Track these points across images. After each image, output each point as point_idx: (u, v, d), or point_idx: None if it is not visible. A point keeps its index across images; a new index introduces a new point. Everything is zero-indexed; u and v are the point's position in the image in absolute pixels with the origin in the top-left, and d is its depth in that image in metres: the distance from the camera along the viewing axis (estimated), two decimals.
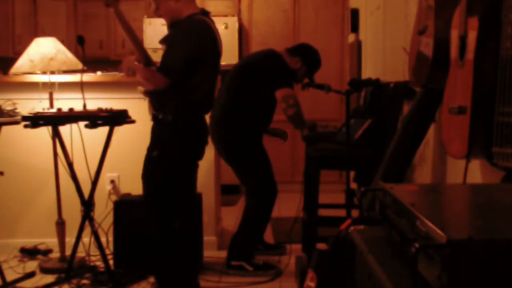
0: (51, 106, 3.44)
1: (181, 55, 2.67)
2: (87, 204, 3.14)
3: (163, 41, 2.77)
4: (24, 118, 2.96)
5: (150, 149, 2.76)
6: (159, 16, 2.86)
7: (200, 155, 2.90)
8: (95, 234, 3.13)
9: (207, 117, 3.09)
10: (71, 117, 3.05)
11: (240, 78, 3.47)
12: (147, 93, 2.79)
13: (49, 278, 3.27)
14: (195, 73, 2.70)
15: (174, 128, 2.73)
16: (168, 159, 2.74)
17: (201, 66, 2.71)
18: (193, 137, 2.80)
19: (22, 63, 3.40)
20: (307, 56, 3.56)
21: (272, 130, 3.76)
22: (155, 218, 2.80)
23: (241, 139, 3.43)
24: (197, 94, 2.73)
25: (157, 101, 2.77)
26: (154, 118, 2.78)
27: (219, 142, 3.47)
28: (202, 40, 2.72)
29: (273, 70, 3.42)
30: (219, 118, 3.42)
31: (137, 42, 2.77)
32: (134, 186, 2.84)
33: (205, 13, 2.84)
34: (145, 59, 2.76)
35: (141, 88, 2.80)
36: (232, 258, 3.42)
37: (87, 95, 3.13)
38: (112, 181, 3.80)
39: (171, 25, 2.80)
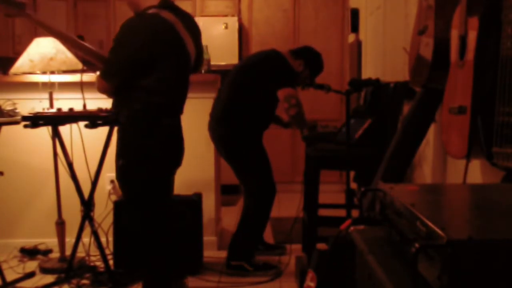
0: (51, 106, 3.44)
1: (121, 56, 2.45)
2: (87, 204, 3.14)
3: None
4: (24, 118, 2.96)
5: (116, 157, 2.61)
6: None
7: (167, 159, 2.65)
8: (95, 234, 3.13)
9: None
10: (71, 117, 3.04)
11: (241, 77, 3.46)
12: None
13: (49, 278, 3.27)
14: (143, 75, 2.46)
15: (132, 134, 2.55)
16: (133, 165, 2.56)
17: (151, 66, 2.46)
18: (153, 142, 2.55)
19: (22, 63, 3.40)
20: (311, 59, 3.55)
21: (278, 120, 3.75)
22: (141, 218, 2.71)
23: (241, 138, 3.43)
24: (154, 97, 2.49)
25: (115, 104, 2.62)
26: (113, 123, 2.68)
27: (219, 141, 3.47)
28: (148, 38, 2.43)
29: (275, 70, 3.42)
30: (219, 117, 3.43)
31: (75, 42, 2.58)
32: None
33: (165, 4, 2.54)
34: (99, 59, 2.59)
35: None
36: (232, 258, 3.42)
37: (87, 95, 3.12)
38: (112, 181, 3.80)
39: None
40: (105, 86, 2.50)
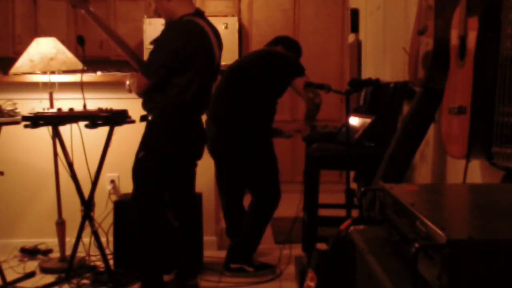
0: (51, 106, 3.44)
1: (162, 56, 2.72)
2: (87, 204, 3.14)
3: (152, 41, 2.81)
4: (24, 118, 2.97)
5: (137, 151, 2.82)
6: (159, 15, 2.90)
7: (191, 155, 2.93)
8: (95, 234, 3.13)
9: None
10: (71, 117, 3.05)
11: (244, 78, 3.43)
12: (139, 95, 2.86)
13: (49, 278, 3.27)
14: (178, 74, 2.72)
15: (160, 129, 2.79)
16: (153, 160, 2.80)
17: (186, 67, 2.72)
18: (180, 137, 2.83)
19: (22, 63, 3.40)
20: (286, 42, 3.63)
21: (275, 132, 3.74)
22: (141, 217, 2.85)
23: (252, 139, 3.41)
24: (185, 95, 2.75)
25: (147, 103, 2.83)
26: (145, 119, 2.84)
27: (227, 143, 3.40)
28: (187, 41, 2.72)
29: (282, 64, 3.48)
30: (226, 119, 3.38)
31: (119, 40, 2.81)
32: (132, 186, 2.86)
33: (199, 13, 2.85)
34: (134, 58, 2.83)
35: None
36: (232, 261, 3.40)
37: (87, 95, 3.13)
38: (112, 181, 3.80)
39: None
40: (145, 83, 2.73)
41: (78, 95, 3.08)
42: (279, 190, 3.48)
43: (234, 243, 3.45)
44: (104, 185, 3.72)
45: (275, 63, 3.49)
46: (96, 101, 3.37)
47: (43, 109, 3.20)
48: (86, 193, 3.14)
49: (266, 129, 3.49)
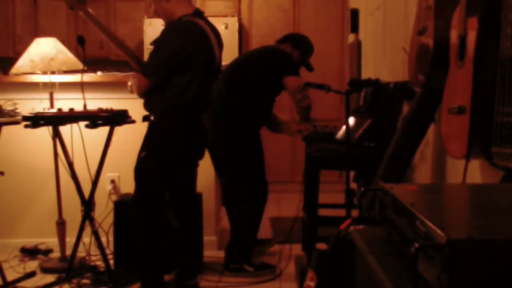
0: (52, 106, 3.45)
1: (162, 56, 2.72)
2: (88, 204, 3.14)
3: (152, 42, 2.81)
4: (25, 118, 2.97)
5: (139, 151, 2.83)
6: (159, 16, 2.89)
7: (192, 155, 2.94)
8: (95, 234, 3.13)
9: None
10: (72, 117, 3.06)
11: (243, 76, 3.45)
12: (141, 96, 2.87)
13: (50, 278, 3.27)
14: (178, 74, 2.73)
15: (161, 129, 2.80)
16: (154, 160, 2.80)
17: (186, 67, 2.73)
18: (180, 138, 2.83)
19: (22, 63, 3.41)
20: (295, 39, 3.62)
21: (277, 126, 3.74)
22: (141, 217, 2.86)
23: (247, 136, 3.42)
24: (185, 95, 2.75)
25: (148, 103, 2.84)
26: (147, 119, 2.86)
27: (226, 139, 3.42)
28: (187, 41, 2.72)
29: (276, 59, 3.48)
30: (225, 116, 3.40)
31: (118, 41, 2.82)
32: (134, 186, 2.86)
33: (198, 13, 2.85)
34: (134, 59, 2.83)
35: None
36: (232, 262, 3.41)
37: (88, 95, 3.13)
38: (113, 181, 3.81)
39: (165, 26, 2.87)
40: (145, 83, 2.73)
41: (79, 95, 3.09)
42: (266, 187, 3.51)
43: (232, 243, 3.45)
44: (104, 185, 3.72)
45: (269, 61, 3.49)
46: (97, 101, 3.37)
47: (44, 109, 3.21)
48: (86, 193, 3.15)
49: (261, 127, 3.52)
